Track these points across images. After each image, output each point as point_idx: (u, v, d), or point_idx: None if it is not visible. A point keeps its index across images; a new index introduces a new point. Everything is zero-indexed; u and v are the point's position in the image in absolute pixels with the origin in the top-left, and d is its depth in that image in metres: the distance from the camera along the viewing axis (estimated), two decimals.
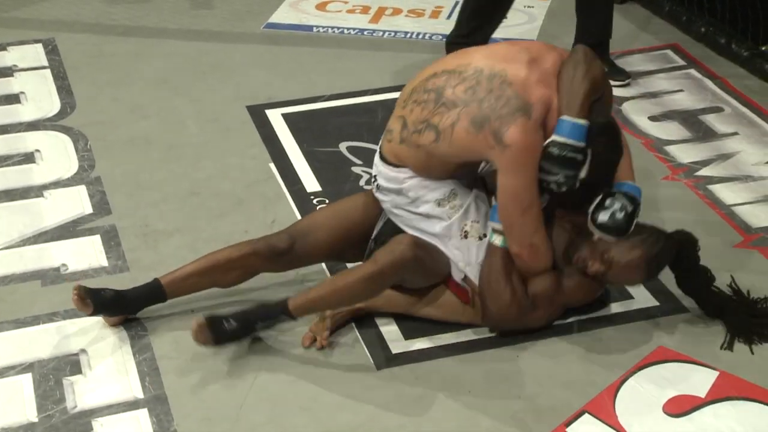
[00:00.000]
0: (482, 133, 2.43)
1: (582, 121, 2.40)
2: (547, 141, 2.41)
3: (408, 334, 2.65)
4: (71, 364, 2.55)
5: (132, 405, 2.43)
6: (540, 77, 2.45)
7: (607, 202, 2.50)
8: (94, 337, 2.64)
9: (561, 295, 2.58)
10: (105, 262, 2.92)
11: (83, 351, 2.59)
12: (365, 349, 2.61)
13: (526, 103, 2.42)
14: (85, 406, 2.43)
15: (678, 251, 2.60)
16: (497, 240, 2.53)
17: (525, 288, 2.55)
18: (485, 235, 2.56)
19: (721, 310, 2.65)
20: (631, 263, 2.51)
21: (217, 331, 2.50)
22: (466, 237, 2.54)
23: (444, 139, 2.47)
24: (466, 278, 2.59)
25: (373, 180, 2.66)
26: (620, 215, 2.48)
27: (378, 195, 2.63)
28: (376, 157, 2.64)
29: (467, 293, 2.59)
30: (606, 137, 2.47)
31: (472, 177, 2.58)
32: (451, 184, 2.54)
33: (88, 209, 3.15)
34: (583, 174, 2.42)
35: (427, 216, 2.55)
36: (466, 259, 2.56)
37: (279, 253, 2.66)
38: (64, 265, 2.91)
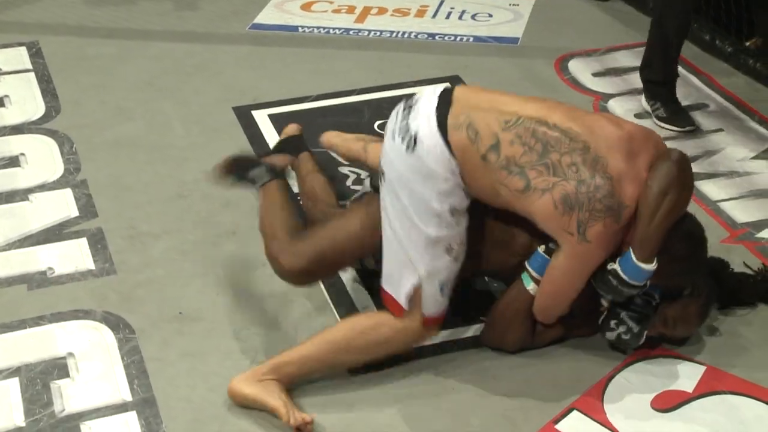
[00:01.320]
0: (568, 215, 2.30)
1: (649, 266, 2.32)
2: (610, 266, 2.35)
3: None
4: (58, 367, 2.54)
5: (120, 408, 2.42)
6: (635, 175, 2.31)
7: (612, 323, 2.47)
8: (82, 340, 2.63)
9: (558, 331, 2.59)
10: (92, 265, 2.91)
11: (71, 354, 2.58)
12: None
13: (619, 204, 2.30)
14: (73, 409, 2.42)
15: (720, 284, 2.61)
16: (530, 286, 2.47)
17: (533, 329, 2.55)
18: (458, 259, 2.40)
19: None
20: (688, 319, 2.51)
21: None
22: (447, 253, 2.37)
23: (529, 197, 2.33)
24: (414, 288, 2.39)
25: (401, 137, 2.39)
26: (626, 337, 2.48)
27: (392, 154, 2.39)
28: (432, 122, 2.35)
29: (401, 308, 2.41)
30: (688, 267, 2.45)
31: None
32: (469, 203, 2.40)
33: (74, 212, 3.14)
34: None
35: (431, 213, 2.34)
36: (432, 269, 2.37)
37: None
38: (50, 268, 2.90)
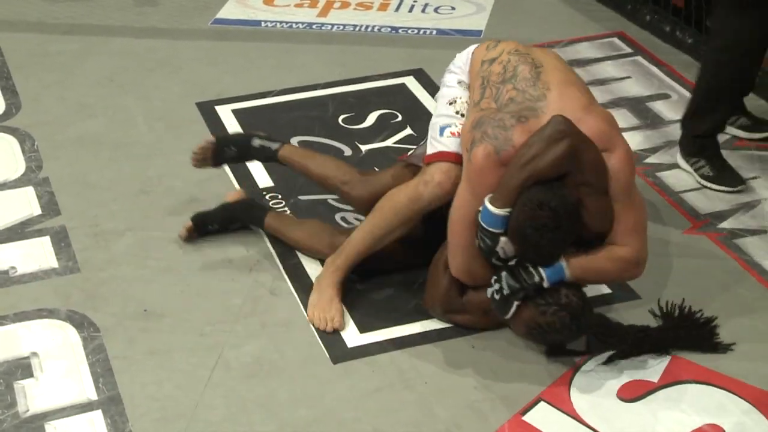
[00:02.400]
0: (471, 134, 2.46)
1: (498, 211, 2.36)
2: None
3: (363, 328, 2.65)
4: (22, 367, 2.52)
5: (85, 407, 2.40)
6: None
7: (494, 278, 2.43)
8: (46, 339, 2.61)
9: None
10: (55, 264, 2.88)
11: (34, 354, 2.55)
12: (320, 343, 2.60)
13: (506, 139, 2.40)
14: (38, 409, 2.40)
15: (573, 322, 2.41)
16: None
17: (456, 291, 2.56)
18: (458, 112, 2.62)
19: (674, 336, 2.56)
20: (519, 326, 2.46)
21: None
22: (451, 105, 2.65)
23: (472, 111, 2.55)
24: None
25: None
26: (497, 297, 2.42)
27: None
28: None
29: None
30: (531, 226, 2.34)
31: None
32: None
33: (37, 210, 3.11)
34: (507, 254, 2.40)
35: (446, 80, 2.72)
36: (437, 116, 2.66)
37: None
38: (12, 267, 2.86)
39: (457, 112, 2.63)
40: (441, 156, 2.59)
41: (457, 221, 2.48)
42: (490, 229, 2.39)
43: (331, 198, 3.12)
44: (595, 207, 2.40)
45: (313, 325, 2.65)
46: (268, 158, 2.99)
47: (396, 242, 2.71)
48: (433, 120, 2.69)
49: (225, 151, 2.97)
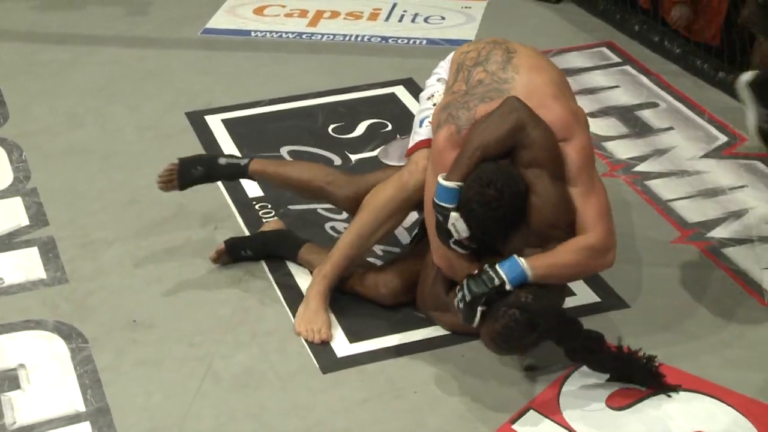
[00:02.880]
0: (438, 114, 2.56)
1: (447, 183, 2.39)
2: None
3: (353, 337, 2.65)
4: (9, 379, 2.50)
5: (73, 419, 2.39)
6: None
7: (458, 287, 2.39)
8: (33, 350, 2.59)
9: None
10: (43, 275, 2.87)
11: (21, 366, 2.54)
12: (310, 353, 2.60)
13: (468, 120, 2.47)
14: (25, 422, 2.39)
15: (535, 325, 2.35)
16: None
17: (447, 288, 2.58)
18: (436, 104, 2.67)
19: (625, 366, 2.46)
20: (484, 338, 2.41)
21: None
22: (429, 100, 2.70)
23: (445, 94, 2.64)
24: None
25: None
26: (460, 305, 2.37)
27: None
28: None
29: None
30: (477, 202, 2.35)
31: None
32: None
33: (25, 221, 3.10)
34: (460, 233, 2.40)
35: (429, 79, 2.79)
36: (418, 112, 2.73)
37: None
38: (0, 278, 2.85)
39: (435, 104, 2.66)
40: (421, 144, 2.64)
41: (430, 210, 2.50)
42: (441, 203, 2.40)
43: (320, 207, 3.12)
44: (546, 191, 2.39)
45: (301, 337, 2.64)
46: (238, 175, 2.91)
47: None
48: (416, 117, 2.74)
49: (191, 172, 2.87)
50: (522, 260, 2.35)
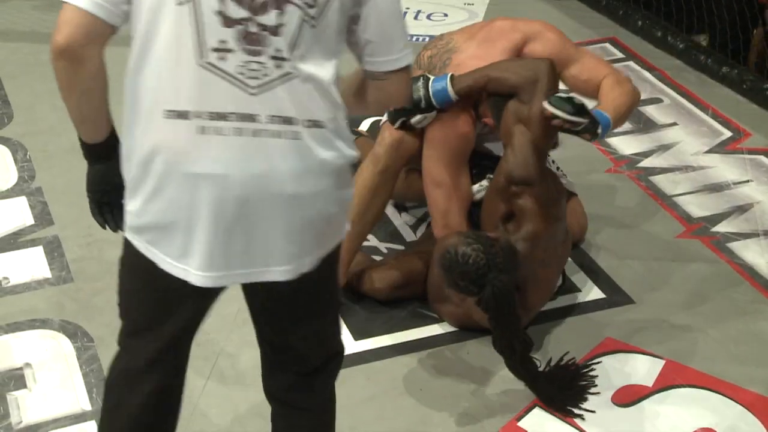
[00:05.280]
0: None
1: (444, 84, 2.53)
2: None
3: (358, 335, 2.65)
4: (15, 378, 2.51)
5: (79, 418, 2.39)
6: (482, 54, 2.62)
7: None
8: (39, 350, 2.60)
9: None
10: (48, 274, 2.87)
11: (27, 365, 2.55)
12: None
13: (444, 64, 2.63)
14: (31, 421, 2.39)
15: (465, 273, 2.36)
16: None
17: None
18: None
19: (533, 378, 2.43)
20: (437, 253, 2.44)
21: None
22: None
23: None
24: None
25: None
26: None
27: None
28: None
29: None
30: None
31: None
32: None
33: (30, 220, 3.10)
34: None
35: None
36: None
37: None
38: (5, 278, 2.85)
39: None
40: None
41: (426, 184, 2.62)
42: (434, 87, 2.53)
43: None
44: (521, 147, 2.46)
45: None
46: None
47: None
48: None
49: None
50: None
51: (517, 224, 2.46)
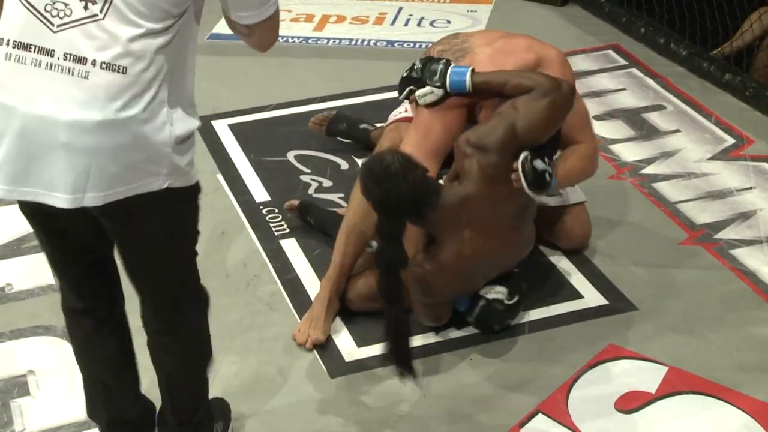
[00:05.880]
0: None
1: (464, 70, 2.60)
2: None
3: (361, 342, 2.65)
4: (18, 385, 2.51)
5: (82, 425, 2.39)
6: (499, 62, 2.68)
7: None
8: (42, 357, 2.60)
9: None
10: (51, 280, 2.87)
11: (31, 372, 2.55)
12: (318, 357, 2.60)
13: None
14: (34, 428, 2.39)
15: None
16: None
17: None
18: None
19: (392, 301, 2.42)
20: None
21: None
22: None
23: None
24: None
25: None
26: (404, 74, 2.73)
27: None
28: None
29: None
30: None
31: None
32: None
33: None
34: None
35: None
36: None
37: None
38: (8, 284, 2.86)
39: (401, 104, 2.89)
40: (395, 122, 2.86)
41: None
42: (453, 76, 2.60)
43: (325, 209, 3.12)
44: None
45: (294, 339, 2.63)
46: (366, 141, 3.35)
47: None
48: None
49: (338, 125, 3.41)
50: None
51: (458, 182, 2.48)
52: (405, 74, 2.72)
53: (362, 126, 3.42)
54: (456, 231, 2.46)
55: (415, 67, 2.70)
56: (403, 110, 2.90)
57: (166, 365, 2.12)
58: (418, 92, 2.64)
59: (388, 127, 2.89)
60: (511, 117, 2.46)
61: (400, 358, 2.41)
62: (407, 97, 2.71)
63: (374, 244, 2.67)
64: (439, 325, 2.66)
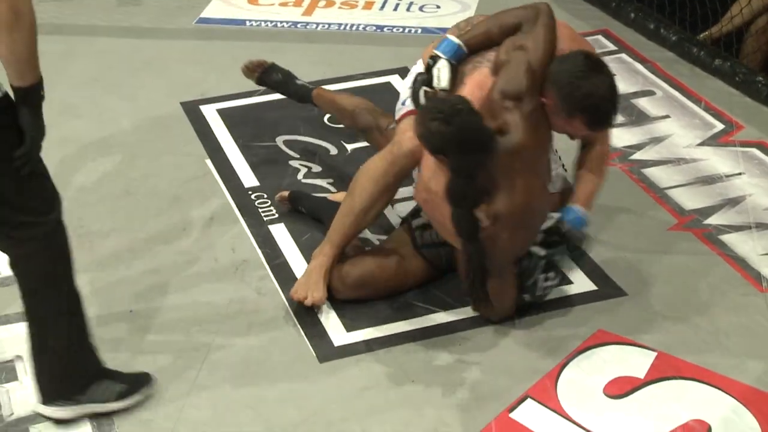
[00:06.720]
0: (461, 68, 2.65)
1: (456, 41, 2.62)
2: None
3: (350, 326, 2.65)
4: (6, 370, 2.50)
5: None
6: None
7: (525, 263, 2.59)
8: None
9: None
10: None
11: (18, 357, 2.54)
12: (307, 342, 2.60)
13: (494, 61, 2.61)
14: (22, 413, 2.38)
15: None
16: None
17: None
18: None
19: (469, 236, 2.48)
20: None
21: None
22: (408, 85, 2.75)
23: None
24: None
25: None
26: (539, 290, 2.62)
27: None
28: None
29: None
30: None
31: None
32: None
33: None
34: (440, 80, 2.60)
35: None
36: (403, 93, 2.77)
37: None
38: None
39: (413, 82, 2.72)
40: (405, 115, 2.70)
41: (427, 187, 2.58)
42: (438, 51, 2.60)
43: (315, 195, 3.11)
44: (516, 65, 2.52)
45: (293, 298, 2.65)
46: (304, 97, 3.32)
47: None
48: (400, 99, 2.80)
49: (272, 75, 3.37)
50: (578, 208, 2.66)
51: (503, 136, 2.48)
52: (411, 87, 2.67)
53: (300, 82, 3.36)
54: (509, 179, 2.47)
55: (418, 79, 2.65)
56: (403, 104, 2.80)
57: None
58: (435, 75, 2.60)
59: (403, 121, 2.72)
60: (524, 57, 2.52)
61: (480, 296, 2.53)
62: (426, 95, 2.61)
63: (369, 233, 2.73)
64: (507, 316, 2.63)
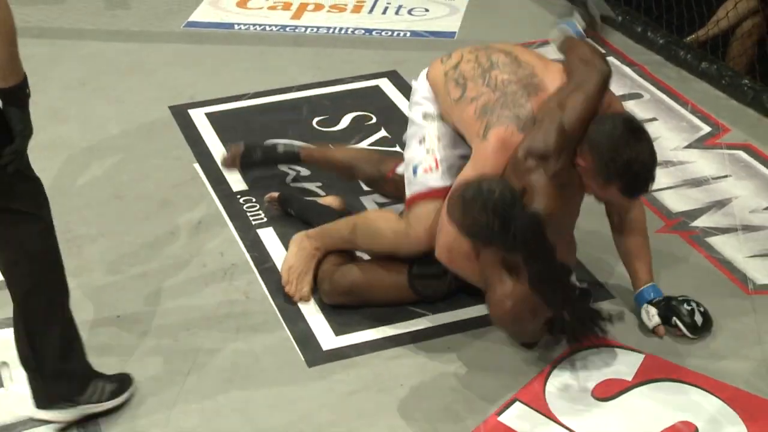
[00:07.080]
0: (481, 120, 2.48)
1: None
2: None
3: (339, 330, 2.65)
4: None
5: None
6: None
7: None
8: (15, 349, 2.57)
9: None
10: None
11: (4, 364, 2.53)
12: (296, 346, 2.59)
13: (528, 116, 2.45)
14: (7, 420, 2.37)
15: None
16: None
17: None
18: (429, 151, 2.61)
19: (570, 302, 2.43)
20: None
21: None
22: (420, 144, 2.63)
23: (459, 104, 2.55)
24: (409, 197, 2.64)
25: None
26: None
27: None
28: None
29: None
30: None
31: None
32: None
33: None
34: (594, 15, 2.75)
35: (410, 117, 2.70)
36: (408, 158, 2.64)
37: None
38: None
39: (428, 150, 2.60)
40: (419, 197, 2.57)
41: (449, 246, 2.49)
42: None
43: (305, 198, 3.11)
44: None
45: (283, 283, 2.71)
46: (293, 161, 3.19)
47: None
48: (407, 156, 2.66)
49: (252, 155, 3.17)
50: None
51: (528, 201, 2.37)
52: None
53: (281, 148, 3.15)
54: None
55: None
56: (414, 173, 2.61)
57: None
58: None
59: (417, 208, 2.58)
60: (558, 115, 2.40)
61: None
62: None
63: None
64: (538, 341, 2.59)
